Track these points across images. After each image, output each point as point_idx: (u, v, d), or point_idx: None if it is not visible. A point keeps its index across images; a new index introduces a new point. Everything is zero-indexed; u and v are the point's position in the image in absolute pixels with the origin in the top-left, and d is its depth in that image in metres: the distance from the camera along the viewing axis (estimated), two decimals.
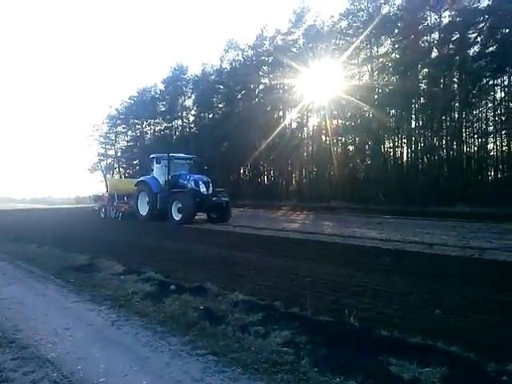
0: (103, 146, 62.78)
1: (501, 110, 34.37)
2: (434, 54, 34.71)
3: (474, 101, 34.53)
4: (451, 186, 30.15)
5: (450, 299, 5.90)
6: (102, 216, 23.75)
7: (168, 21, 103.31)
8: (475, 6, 32.18)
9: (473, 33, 32.62)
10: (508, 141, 33.00)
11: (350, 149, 40.35)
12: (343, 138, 40.49)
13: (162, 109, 56.19)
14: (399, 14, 35.39)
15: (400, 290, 6.45)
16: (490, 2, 31.08)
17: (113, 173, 63.03)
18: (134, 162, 60.82)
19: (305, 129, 43.95)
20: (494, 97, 34.83)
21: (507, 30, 30.72)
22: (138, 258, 9.43)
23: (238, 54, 47.53)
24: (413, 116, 37.15)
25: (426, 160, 35.18)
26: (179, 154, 22.26)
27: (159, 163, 20.79)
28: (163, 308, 5.63)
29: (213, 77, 50.19)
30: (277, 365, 3.90)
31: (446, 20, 33.87)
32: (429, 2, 33.75)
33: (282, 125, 41.27)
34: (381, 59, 37.46)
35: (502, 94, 34.24)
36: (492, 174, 35.32)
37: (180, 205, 18.65)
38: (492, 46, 32.34)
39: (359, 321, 4.84)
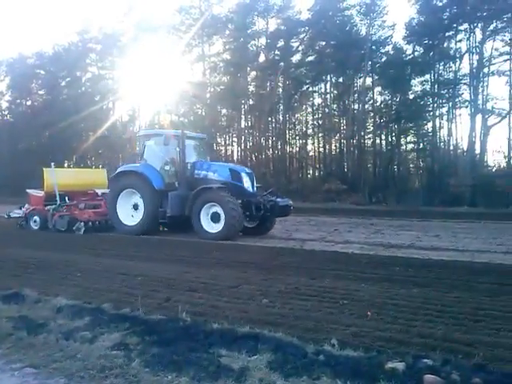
0: None
1: (318, 115, 38.25)
2: (262, 58, 36.91)
3: (296, 105, 37.76)
4: (276, 183, 32.44)
5: (275, 288, 6.31)
6: (35, 228, 14.77)
7: None
8: (297, 17, 35.12)
9: (295, 42, 35.58)
10: (324, 143, 36.85)
11: None
12: None
13: None
14: (230, 16, 36.69)
15: (230, 282, 6.67)
16: (310, 16, 34.20)
17: None
18: None
19: (137, 122, 42.82)
20: (313, 102, 38.62)
21: (324, 43, 34.23)
22: None
23: (61, 38, 44.06)
24: (242, 116, 39.03)
25: (254, 158, 37.25)
26: (190, 132, 15.42)
27: (167, 144, 13.39)
28: None
29: (32, 60, 45.57)
30: (105, 369, 3.67)
31: (272, 27, 36.29)
32: (257, 9, 35.69)
33: (112, 117, 39.51)
34: (213, 58, 38.47)
35: (320, 100, 38.14)
36: (310, 171, 39.11)
37: (220, 209, 12.17)
38: (311, 55, 35.74)
39: (192, 316, 4.86)
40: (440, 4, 30.80)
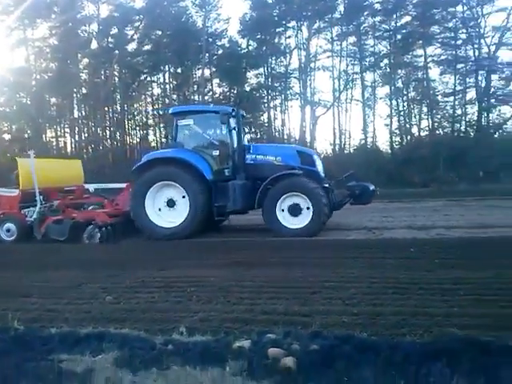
0: None
1: (158, 105, 37.57)
2: (94, 45, 34.81)
3: (134, 94, 36.55)
4: (117, 175, 31.08)
5: (120, 284, 6.06)
6: (8, 239, 11.11)
7: None
8: (131, 4, 33.86)
9: (130, 30, 34.34)
10: (166, 133, 36.37)
11: (6, 138, 36.43)
12: None
13: None
14: None
15: (70, 283, 6.22)
16: (144, 4, 33.29)
17: None
18: None
19: None
20: (152, 92, 37.81)
21: (160, 32, 33.65)
22: None
23: None
24: (75, 106, 36.45)
25: (90, 150, 35.12)
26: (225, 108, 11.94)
27: (225, 122, 10.94)
28: None
29: None
30: None
31: (104, 13, 34.39)
32: None
33: None
34: (37, 43, 35.01)
35: (159, 91, 37.48)
36: None
37: (302, 200, 10.18)
38: (147, 44, 34.87)
39: (26, 323, 4.42)
40: (270, 1, 32.64)
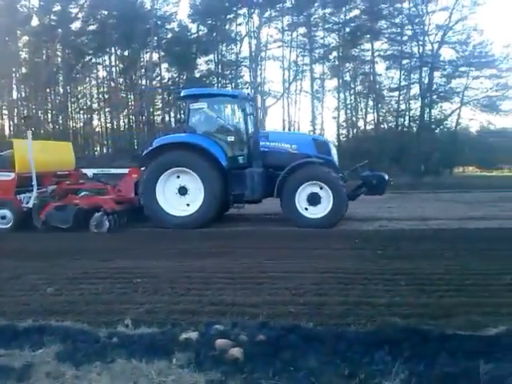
0: None
1: (104, 89, 36.32)
2: (35, 22, 33.15)
3: (78, 76, 35.15)
4: None
5: (62, 275, 5.80)
6: (3, 227, 10.11)
7: None
8: None
9: (74, 8, 32.89)
10: (111, 118, 35.26)
11: None
12: None
13: None
14: None
15: (7, 273, 5.92)
16: None
17: None
18: None
19: None
20: (97, 75, 36.49)
21: (106, 12, 32.44)
22: None
23: None
24: (14, 86, 34.63)
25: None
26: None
27: (242, 107, 10.58)
28: None
29: None
30: None
31: None
32: None
33: None
34: None
35: (105, 73, 36.22)
36: (98, 148, 37.18)
37: (322, 189, 9.92)
38: (93, 24, 33.54)
39: None
40: None
